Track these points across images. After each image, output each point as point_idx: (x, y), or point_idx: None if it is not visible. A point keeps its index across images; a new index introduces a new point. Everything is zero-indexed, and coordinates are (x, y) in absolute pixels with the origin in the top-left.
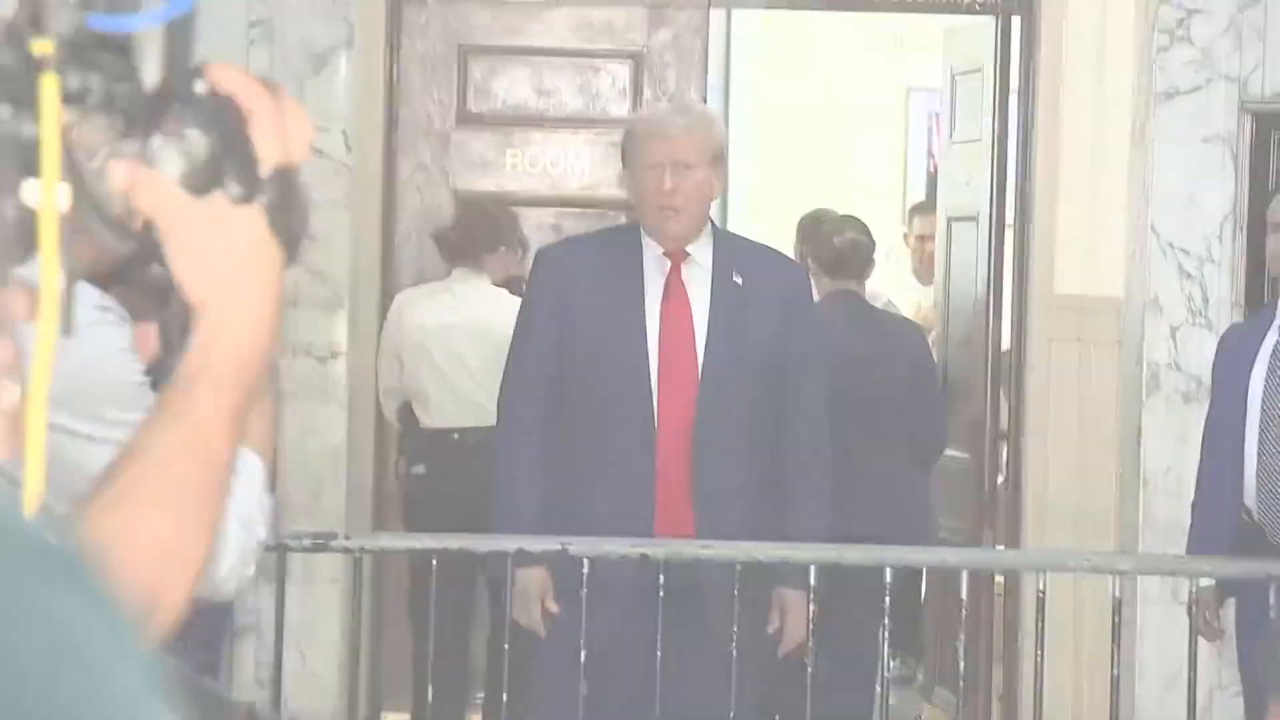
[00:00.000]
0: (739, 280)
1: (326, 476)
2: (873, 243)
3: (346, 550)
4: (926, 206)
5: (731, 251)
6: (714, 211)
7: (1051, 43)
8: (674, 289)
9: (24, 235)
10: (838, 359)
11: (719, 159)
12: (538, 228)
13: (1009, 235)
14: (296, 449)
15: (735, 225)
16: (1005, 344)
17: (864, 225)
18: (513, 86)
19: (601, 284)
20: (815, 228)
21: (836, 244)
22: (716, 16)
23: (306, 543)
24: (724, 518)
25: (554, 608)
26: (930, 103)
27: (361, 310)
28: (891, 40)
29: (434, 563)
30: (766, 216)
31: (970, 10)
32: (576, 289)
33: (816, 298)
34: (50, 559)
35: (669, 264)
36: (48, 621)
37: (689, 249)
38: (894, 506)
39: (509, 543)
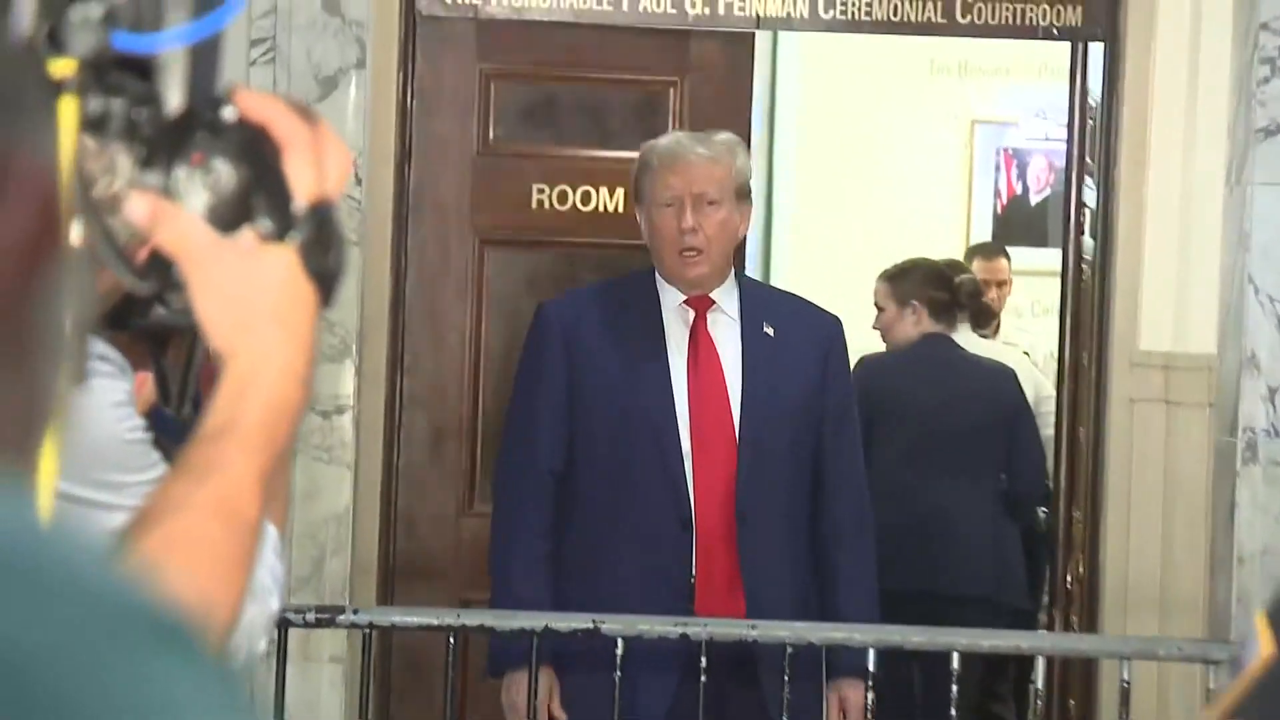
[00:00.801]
0: (770, 331)
1: (329, 544)
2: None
3: (355, 625)
4: (990, 248)
5: (760, 299)
6: (757, 253)
7: (1137, 72)
8: (701, 343)
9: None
10: (923, 405)
11: (744, 193)
12: (569, 267)
13: (1087, 285)
14: (298, 513)
15: (779, 268)
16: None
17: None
18: (539, 115)
19: (616, 341)
20: (913, 271)
21: (950, 287)
22: (762, 40)
23: (310, 617)
24: (776, 605)
25: (561, 716)
26: (999, 136)
27: (370, 361)
28: (955, 68)
29: (451, 640)
30: (814, 259)
31: (1047, 36)
32: (586, 349)
33: (905, 341)
34: (157, 628)
35: (692, 314)
36: (150, 692)
37: (714, 296)
38: (980, 557)
39: (534, 620)
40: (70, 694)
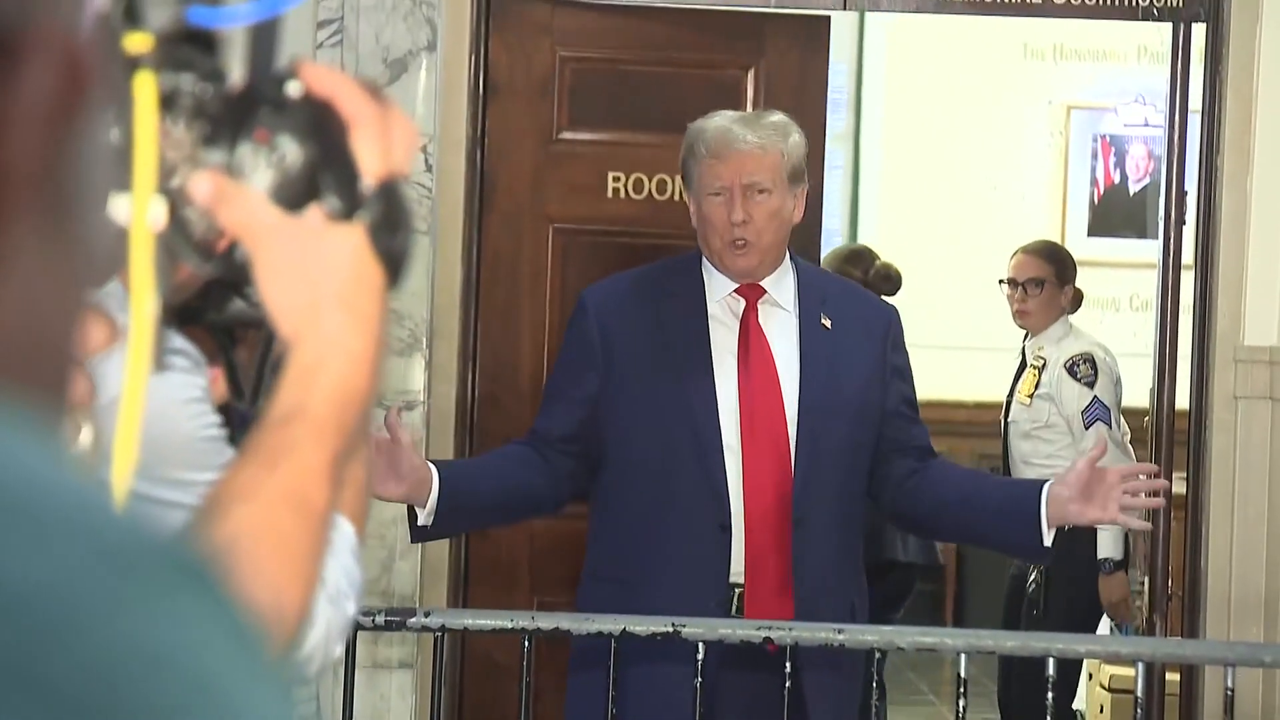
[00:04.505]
0: (827, 323)
1: (398, 545)
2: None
3: (426, 629)
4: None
5: (816, 288)
6: (841, 245)
7: (1241, 54)
8: (752, 335)
9: (106, 256)
10: None
11: (797, 177)
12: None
13: (1187, 277)
14: None
15: None
16: (1182, 403)
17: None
18: (615, 100)
19: (658, 333)
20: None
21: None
22: (846, 21)
23: (380, 620)
24: (826, 610)
25: None
26: (1095, 123)
27: (442, 354)
28: (1049, 51)
29: (526, 644)
30: (902, 250)
31: (1147, 16)
32: (625, 343)
33: None
34: (173, 567)
35: (743, 304)
36: (156, 635)
37: (765, 285)
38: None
39: (612, 623)
40: (78, 635)
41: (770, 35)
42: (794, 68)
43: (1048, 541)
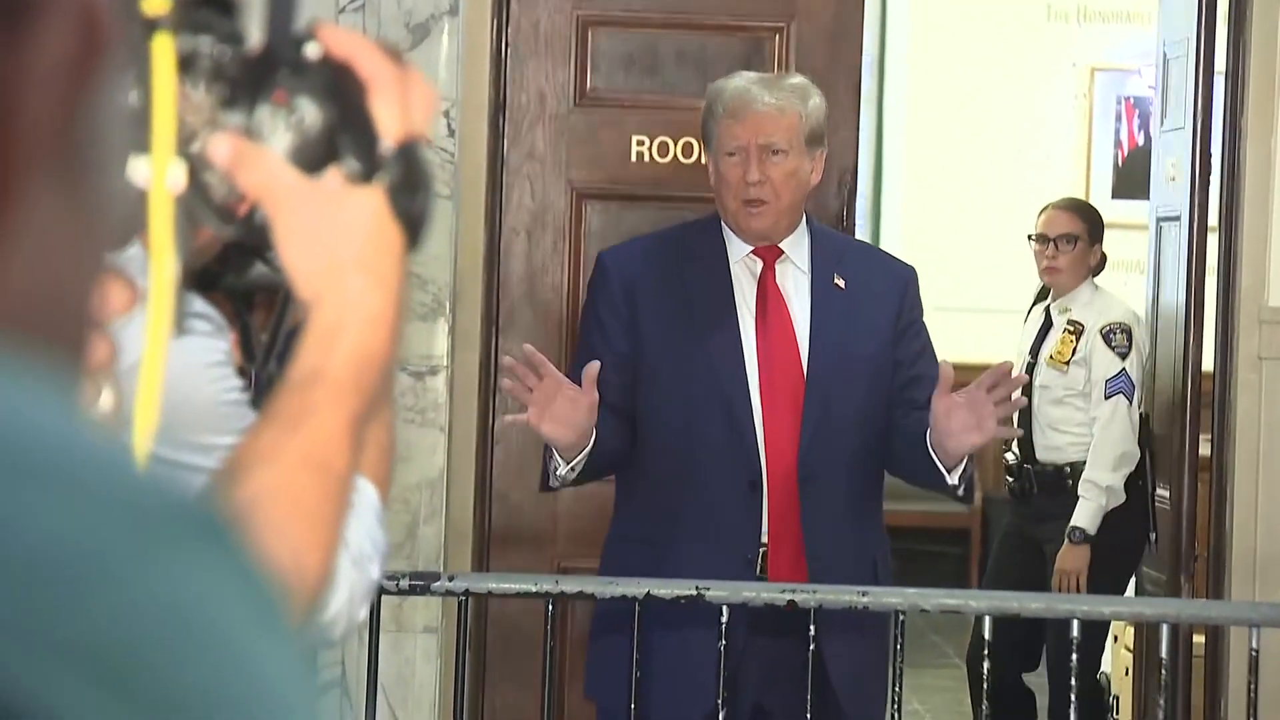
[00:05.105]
0: (840, 283)
1: (423, 509)
2: None
3: (450, 593)
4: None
5: (831, 249)
6: (866, 208)
7: (1265, 15)
8: (770, 296)
9: (126, 219)
10: None
11: (815, 140)
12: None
13: (1212, 239)
14: None
15: (889, 222)
16: (1207, 364)
17: None
18: (639, 63)
19: (681, 294)
20: None
21: None
22: None
23: (404, 584)
24: (837, 571)
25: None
26: (1120, 85)
27: (464, 319)
28: (1073, 13)
29: (549, 608)
30: (925, 212)
31: None
32: (649, 303)
33: None
34: (184, 522)
35: (760, 265)
36: (175, 592)
37: (783, 246)
38: None
39: (636, 587)
40: (97, 591)
41: None
42: (826, 29)
43: (953, 481)
